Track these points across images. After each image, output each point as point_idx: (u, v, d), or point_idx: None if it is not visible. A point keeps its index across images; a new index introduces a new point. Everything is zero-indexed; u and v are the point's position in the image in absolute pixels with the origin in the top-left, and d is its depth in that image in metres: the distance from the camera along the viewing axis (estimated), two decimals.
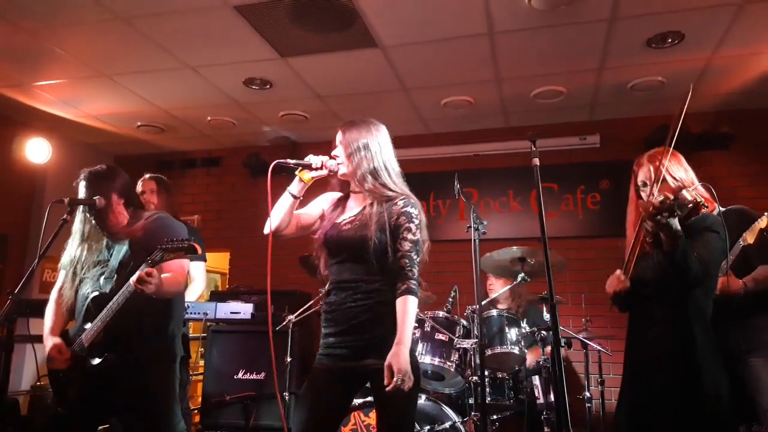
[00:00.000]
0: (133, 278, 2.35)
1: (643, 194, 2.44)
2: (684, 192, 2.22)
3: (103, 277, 2.62)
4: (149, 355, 2.59)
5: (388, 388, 1.93)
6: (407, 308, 2.06)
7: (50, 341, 2.59)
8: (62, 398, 2.59)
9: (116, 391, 2.54)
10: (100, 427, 3.09)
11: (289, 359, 4.13)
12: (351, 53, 4.17)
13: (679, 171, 2.39)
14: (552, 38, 3.93)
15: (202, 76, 4.55)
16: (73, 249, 2.68)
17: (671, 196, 2.09)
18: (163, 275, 2.46)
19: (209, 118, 5.47)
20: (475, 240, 3.31)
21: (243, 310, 4.20)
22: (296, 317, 4.12)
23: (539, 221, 2.17)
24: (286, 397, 4.08)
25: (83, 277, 2.65)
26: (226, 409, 4.48)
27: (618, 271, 2.50)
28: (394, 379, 1.93)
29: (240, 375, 4.63)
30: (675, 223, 2.15)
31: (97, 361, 2.50)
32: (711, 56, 4.13)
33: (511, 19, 3.69)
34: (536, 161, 2.26)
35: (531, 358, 3.70)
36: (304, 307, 4.18)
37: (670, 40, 3.91)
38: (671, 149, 2.45)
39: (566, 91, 4.75)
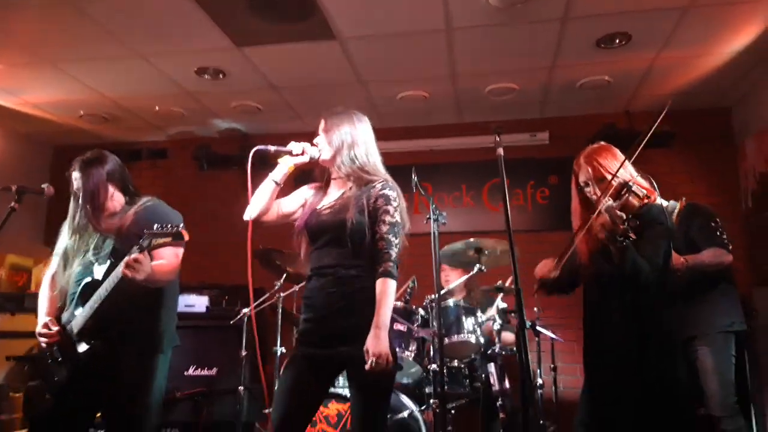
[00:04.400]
0: (121, 264, 2.31)
1: (587, 193, 2.51)
2: (631, 194, 2.28)
3: (96, 263, 2.57)
4: (134, 344, 2.54)
5: (367, 368, 1.96)
6: (385, 290, 2.08)
7: (41, 320, 2.58)
8: (51, 383, 2.54)
9: (100, 378, 2.49)
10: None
11: (243, 353, 4.09)
12: (308, 44, 4.14)
13: (615, 167, 2.42)
14: (507, 36, 4.01)
15: (152, 64, 4.42)
16: (65, 236, 2.65)
17: (623, 219, 2.17)
18: (155, 262, 2.42)
19: (157, 107, 5.31)
20: (434, 231, 3.35)
21: (198, 303, 4.12)
22: (252, 311, 4.07)
23: (503, 210, 2.25)
24: (241, 391, 4.03)
25: (76, 263, 2.60)
26: (176, 406, 4.40)
27: (550, 260, 2.64)
28: (370, 361, 1.95)
29: (191, 371, 4.55)
30: (627, 239, 2.22)
31: (84, 347, 2.48)
32: (656, 57, 4.31)
33: (469, 15, 3.75)
34: (500, 151, 2.31)
35: (507, 338, 3.79)
36: (259, 301, 4.14)
37: (617, 41, 4.05)
38: (603, 144, 2.56)
39: (518, 88, 4.86)
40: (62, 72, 4.54)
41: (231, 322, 4.19)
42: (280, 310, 4.07)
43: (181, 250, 2.66)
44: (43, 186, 2.78)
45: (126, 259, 2.31)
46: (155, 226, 2.33)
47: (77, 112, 5.41)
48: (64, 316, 2.61)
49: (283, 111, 5.34)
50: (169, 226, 2.33)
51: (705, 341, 3.05)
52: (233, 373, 4.23)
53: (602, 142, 2.59)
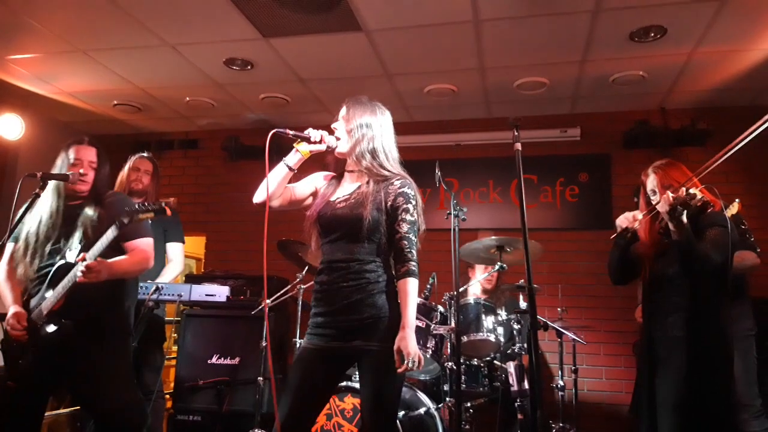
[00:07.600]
0: (78, 273, 2.43)
1: (653, 202, 2.65)
2: (693, 191, 2.37)
3: (67, 249, 2.63)
4: (104, 326, 2.63)
5: (400, 371, 1.97)
6: (409, 290, 2.07)
7: (12, 309, 2.63)
8: (14, 369, 2.60)
9: (69, 359, 2.56)
10: (68, 410, 3.06)
11: (264, 344, 4.11)
12: (335, 36, 4.11)
13: (683, 178, 2.60)
14: (537, 28, 3.92)
15: (181, 54, 4.46)
16: (35, 221, 2.70)
17: (685, 191, 2.35)
18: (120, 258, 2.57)
19: (188, 98, 5.37)
20: (454, 227, 3.30)
21: (218, 292, 4.14)
22: (272, 302, 4.09)
23: (519, 207, 2.18)
24: (261, 382, 4.05)
25: (46, 249, 2.66)
26: (199, 394, 4.45)
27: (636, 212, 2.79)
28: (406, 362, 1.96)
29: (214, 360, 4.59)
30: (684, 217, 2.41)
31: (53, 328, 2.53)
32: (692, 52, 4.16)
33: (497, 6, 3.67)
34: (518, 146, 2.26)
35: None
36: (280, 293, 4.16)
37: (652, 35, 3.92)
38: (671, 159, 2.79)
39: (549, 83, 4.75)
40: (94, 61, 4.62)
41: (252, 313, 4.22)
42: (301, 302, 4.08)
43: (152, 241, 2.78)
44: (68, 173, 2.82)
45: (79, 268, 2.42)
46: (136, 204, 2.43)
47: (111, 102, 5.52)
48: (33, 301, 2.66)
49: (311, 104, 5.34)
50: (150, 203, 2.43)
51: (734, 344, 3.00)
52: (256, 364, 4.25)
53: (669, 159, 2.81)
